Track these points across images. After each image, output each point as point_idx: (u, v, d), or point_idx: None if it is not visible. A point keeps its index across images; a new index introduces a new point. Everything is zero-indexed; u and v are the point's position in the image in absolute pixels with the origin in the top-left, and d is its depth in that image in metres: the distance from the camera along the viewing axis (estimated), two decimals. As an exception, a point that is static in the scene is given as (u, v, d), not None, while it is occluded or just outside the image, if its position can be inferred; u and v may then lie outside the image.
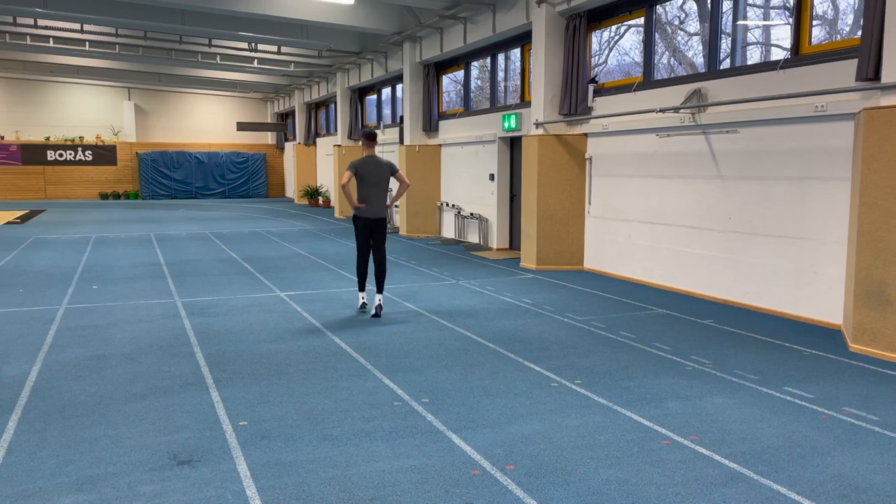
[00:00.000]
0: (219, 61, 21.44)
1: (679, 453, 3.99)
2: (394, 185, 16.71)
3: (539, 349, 6.25)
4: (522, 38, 12.42)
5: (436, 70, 15.73)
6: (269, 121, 32.91)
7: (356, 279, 8.21)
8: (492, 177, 13.61)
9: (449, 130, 15.53)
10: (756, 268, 7.99)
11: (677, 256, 9.15)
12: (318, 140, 26.96)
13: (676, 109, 8.76)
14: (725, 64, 8.62)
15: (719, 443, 4.15)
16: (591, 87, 10.46)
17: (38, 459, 3.88)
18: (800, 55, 7.46)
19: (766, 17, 8.93)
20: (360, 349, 6.24)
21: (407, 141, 16.23)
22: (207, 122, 31.92)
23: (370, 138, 7.76)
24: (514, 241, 13.35)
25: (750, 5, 8.70)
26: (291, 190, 30.98)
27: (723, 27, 8.63)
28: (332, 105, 24.61)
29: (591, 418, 4.54)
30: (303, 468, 3.78)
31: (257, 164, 31.62)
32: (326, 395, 4.98)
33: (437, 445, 4.09)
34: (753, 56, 8.77)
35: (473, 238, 14.45)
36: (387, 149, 18.77)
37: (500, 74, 14.08)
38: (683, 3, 9.61)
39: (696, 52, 9.72)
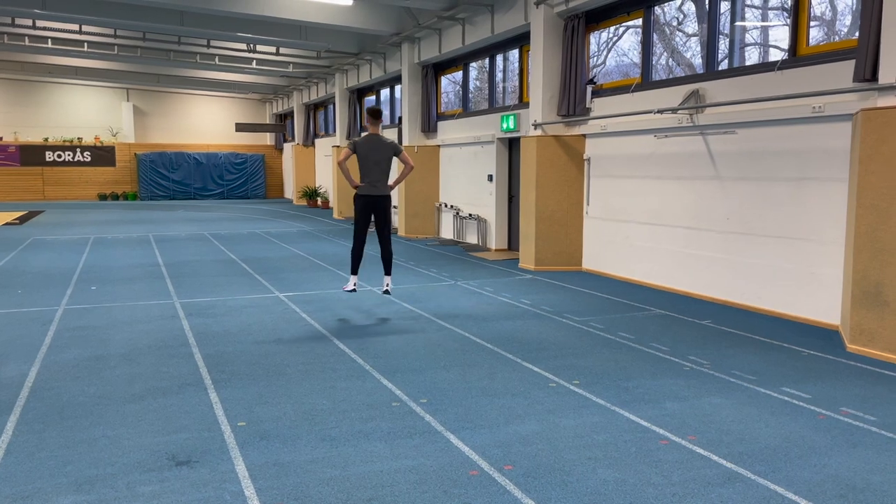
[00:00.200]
0: (217, 62, 21.44)
1: (677, 453, 4.00)
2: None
3: (537, 350, 6.26)
4: (521, 39, 12.44)
5: (434, 71, 15.74)
6: (267, 122, 32.90)
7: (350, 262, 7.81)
8: (490, 177, 13.62)
9: (447, 131, 15.55)
10: (754, 268, 8.00)
11: (675, 257, 9.16)
12: (317, 141, 26.97)
13: (674, 110, 8.77)
14: (723, 65, 8.64)
15: (717, 443, 4.16)
16: (589, 88, 10.47)
17: (36, 460, 3.88)
18: (797, 56, 7.48)
19: (763, 18, 8.94)
20: (359, 350, 6.24)
21: (405, 142, 16.24)
22: (206, 122, 31.91)
23: (374, 115, 7.35)
24: (513, 241, 13.36)
25: (748, 6, 8.71)
26: (290, 191, 30.97)
27: (721, 28, 8.64)
28: (331, 106, 24.62)
29: (589, 418, 4.55)
30: (301, 468, 3.79)
31: (256, 164, 31.61)
32: (325, 396, 4.98)
33: (436, 446, 4.10)
34: (751, 57, 8.79)
35: (472, 239, 14.46)
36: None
37: (499, 75, 14.10)
38: (682, 4, 9.63)
39: (694, 52, 9.75)
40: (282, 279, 10.09)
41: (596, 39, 11.14)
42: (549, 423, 4.46)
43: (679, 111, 8.75)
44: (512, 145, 13.27)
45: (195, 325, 7.22)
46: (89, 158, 29.60)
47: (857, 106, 6.54)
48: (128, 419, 4.51)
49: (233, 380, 5.36)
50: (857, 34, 6.65)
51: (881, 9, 6.00)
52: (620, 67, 11.10)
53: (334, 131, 23.11)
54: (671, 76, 9.81)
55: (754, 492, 3.54)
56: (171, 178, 30.14)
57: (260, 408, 4.74)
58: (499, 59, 13.90)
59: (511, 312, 7.86)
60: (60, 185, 29.32)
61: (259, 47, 19.85)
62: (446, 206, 15.61)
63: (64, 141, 29.19)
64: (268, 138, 33.19)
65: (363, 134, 7.40)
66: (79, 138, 29.43)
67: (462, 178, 14.94)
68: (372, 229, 7.80)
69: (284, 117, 31.90)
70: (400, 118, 16.85)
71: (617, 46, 11.35)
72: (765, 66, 7.82)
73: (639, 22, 9.91)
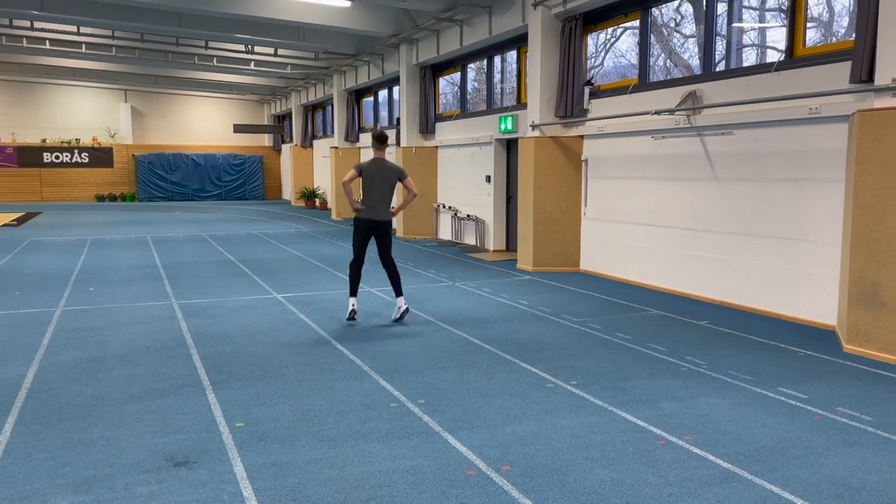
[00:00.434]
0: (215, 63, 21.44)
1: (673, 453, 4.01)
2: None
3: (535, 350, 6.27)
4: (519, 41, 12.45)
5: (432, 72, 15.76)
6: (265, 123, 32.91)
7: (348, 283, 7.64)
8: (488, 178, 13.64)
9: (445, 132, 15.56)
10: (751, 269, 8.02)
11: (673, 258, 9.17)
12: (315, 142, 26.97)
13: (672, 111, 8.79)
14: (721, 66, 8.66)
15: (713, 443, 4.17)
16: (586, 90, 10.49)
17: (34, 461, 3.88)
18: (794, 57, 7.50)
19: (761, 19, 8.97)
20: (357, 351, 6.25)
21: (403, 143, 16.26)
22: (204, 124, 31.91)
23: (380, 141, 7.32)
24: (511, 242, 13.37)
25: (745, 7, 8.73)
26: (288, 192, 30.97)
27: (718, 29, 8.67)
28: (329, 107, 24.63)
29: (587, 419, 4.56)
30: (299, 469, 3.79)
31: (254, 166, 31.61)
32: (323, 397, 4.99)
33: (433, 446, 4.11)
34: (749, 58, 8.81)
35: (470, 240, 14.47)
36: (383, 151, 18.75)
37: (497, 76, 14.12)
38: (679, 5, 9.65)
39: (691, 54, 9.76)
40: (280, 280, 10.10)
41: (594, 41, 11.16)
42: (547, 424, 4.47)
43: (676, 112, 8.76)
44: (510, 146, 13.29)
45: (193, 326, 7.22)
46: (87, 160, 29.59)
47: (853, 107, 6.56)
48: (126, 420, 4.52)
49: (231, 381, 5.36)
50: (853, 35, 6.68)
51: (877, 11, 6.02)
52: (618, 68, 11.12)
53: (332, 132, 23.12)
54: (669, 77, 9.83)
55: (751, 492, 3.55)
56: (169, 179, 30.13)
57: (258, 408, 4.74)
58: (497, 60, 13.92)
59: (509, 313, 7.87)
60: (58, 186, 29.30)
61: (257, 48, 19.86)
62: (444, 207, 15.63)
63: (62, 142, 29.18)
64: (266, 139, 33.20)
65: (371, 158, 7.34)
66: (77, 139, 29.42)
67: (460, 179, 14.96)
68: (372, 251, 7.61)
69: (282, 118, 31.91)
70: (398, 119, 16.86)
71: (614, 48, 11.38)
72: (762, 68, 7.84)
73: (636, 23, 9.93)
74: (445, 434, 4.29)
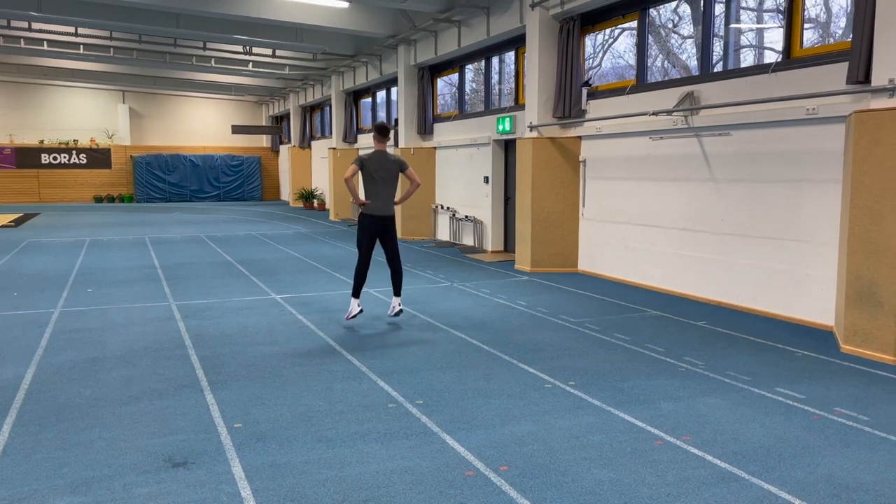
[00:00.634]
0: (213, 64, 21.44)
1: (671, 453, 4.02)
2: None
3: (533, 351, 6.28)
4: (516, 42, 12.47)
5: (430, 73, 15.77)
6: (263, 124, 32.91)
7: (352, 283, 7.41)
8: (486, 179, 13.65)
9: (443, 133, 15.57)
10: (749, 269, 8.03)
11: (671, 258, 9.19)
12: (313, 143, 26.97)
13: (669, 112, 8.81)
14: (718, 67, 8.68)
15: (711, 443, 4.18)
16: (584, 90, 10.51)
17: (33, 462, 3.88)
18: (791, 58, 7.52)
19: (758, 20, 8.98)
20: (355, 351, 6.25)
21: (402, 143, 16.27)
22: (202, 125, 31.91)
23: (382, 132, 7.21)
24: (509, 243, 13.38)
25: (743, 8, 8.75)
26: (286, 193, 30.97)
27: (716, 30, 8.69)
28: (327, 108, 24.63)
29: (585, 419, 4.57)
30: (297, 470, 3.80)
31: (252, 167, 31.62)
32: (321, 397, 4.99)
33: (432, 447, 4.11)
34: (746, 59, 8.83)
35: (468, 240, 14.48)
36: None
37: (495, 77, 14.13)
38: (677, 6, 9.67)
39: (689, 54, 9.77)
40: (278, 281, 10.10)
41: (591, 41, 11.17)
42: (545, 424, 4.48)
43: (674, 113, 8.78)
44: (508, 147, 13.30)
45: (191, 327, 7.22)
46: (85, 161, 29.58)
47: (850, 108, 6.57)
48: (124, 421, 4.52)
49: (229, 381, 5.36)
50: (850, 37, 6.69)
51: (874, 12, 6.04)
52: (616, 69, 11.13)
53: (330, 133, 23.12)
54: (666, 78, 9.84)
55: (748, 492, 3.56)
56: (168, 180, 30.13)
57: (256, 409, 4.74)
58: (495, 61, 13.94)
59: (507, 314, 7.88)
60: (56, 187, 29.29)
61: (255, 49, 19.86)
62: (443, 207, 15.63)
63: (60, 143, 29.16)
64: (264, 140, 33.19)
65: (371, 151, 7.22)
66: (74, 140, 29.40)
67: (458, 180, 14.97)
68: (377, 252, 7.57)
69: (280, 119, 31.91)
70: (396, 120, 16.87)
71: (612, 48, 11.39)
72: (759, 69, 7.86)
73: (634, 24, 9.95)
74: (444, 434, 4.30)
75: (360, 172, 7.11)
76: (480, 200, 13.94)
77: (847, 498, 3.50)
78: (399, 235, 16.15)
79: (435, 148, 15.98)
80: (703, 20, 8.70)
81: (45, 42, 19.30)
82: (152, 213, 25.48)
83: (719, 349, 6.35)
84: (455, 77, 15.46)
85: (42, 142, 28.95)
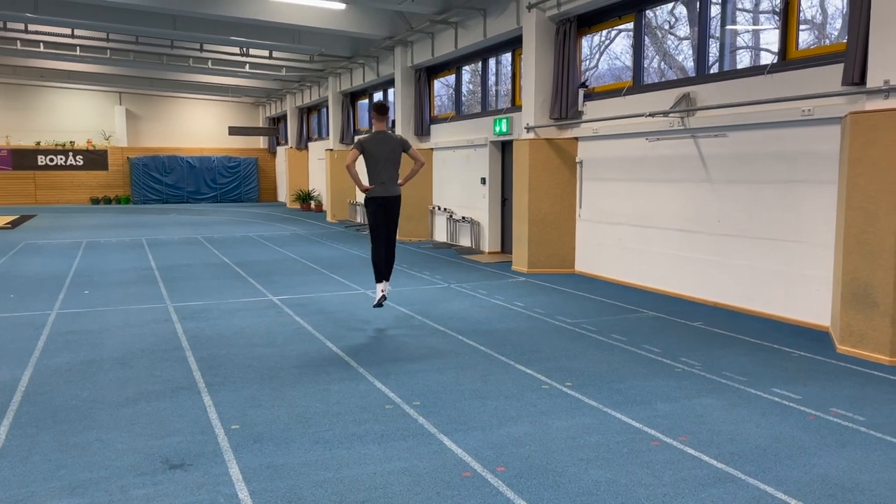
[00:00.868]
0: (210, 66, 21.43)
1: (668, 454, 4.03)
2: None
3: (530, 352, 6.28)
4: (513, 43, 12.48)
5: (427, 74, 15.78)
6: (260, 125, 32.89)
7: (372, 270, 7.44)
8: (483, 180, 13.66)
9: (440, 134, 15.58)
10: (745, 270, 8.05)
11: (667, 259, 9.21)
12: (311, 144, 26.96)
13: (666, 113, 8.82)
14: (714, 68, 8.70)
15: (708, 443, 4.19)
16: (581, 92, 10.52)
17: (30, 464, 3.88)
18: (787, 60, 7.54)
19: (754, 21, 9.01)
20: (352, 353, 6.26)
21: (399, 145, 16.24)
22: (199, 126, 31.88)
23: (380, 111, 7.04)
24: (506, 244, 13.39)
25: (739, 10, 8.78)
26: (283, 194, 30.95)
27: (712, 31, 8.71)
28: (324, 109, 24.63)
29: (582, 420, 4.58)
30: (294, 471, 3.80)
31: (249, 168, 31.59)
32: (318, 399, 5.00)
33: (429, 448, 4.12)
34: (742, 60, 8.85)
35: (465, 242, 14.49)
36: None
37: (492, 79, 14.14)
38: (673, 7, 9.69)
39: (685, 56, 9.80)
40: (275, 283, 10.10)
41: (588, 43, 11.20)
42: (542, 425, 4.48)
43: (670, 114, 8.80)
44: (505, 148, 13.31)
45: (188, 328, 7.22)
46: (82, 162, 29.53)
47: (845, 109, 6.59)
48: (121, 423, 4.52)
49: (226, 383, 5.36)
50: (846, 38, 6.72)
51: (869, 13, 6.06)
52: (612, 71, 11.15)
53: (328, 135, 23.12)
54: (663, 79, 9.87)
55: (744, 492, 3.57)
56: (164, 181, 30.09)
57: (253, 411, 4.75)
58: (491, 62, 13.95)
59: (504, 315, 7.89)
60: (52, 189, 29.23)
61: (252, 51, 19.85)
62: (440, 209, 15.64)
63: (56, 145, 29.11)
64: (261, 142, 33.18)
65: (370, 132, 7.03)
66: (71, 142, 29.36)
67: (455, 182, 14.98)
68: None
69: (277, 121, 31.89)
70: (393, 121, 16.87)
71: (609, 50, 11.41)
72: (755, 70, 7.88)
73: (630, 25, 9.97)
74: (441, 435, 4.30)
75: (361, 157, 6.98)
76: (477, 202, 13.95)
77: (843, 498, 3.52)
78: (397, 236, 16.15)
79: (432, 149, 15.98)
80: (700, 21, 8.73)
81: (41, 44, 19.28)
82: (149, 214, 25.45)
83: (716, 350, 6.36)
84: (452, 78, 15.47)
85: (38, 143, 28.90)
